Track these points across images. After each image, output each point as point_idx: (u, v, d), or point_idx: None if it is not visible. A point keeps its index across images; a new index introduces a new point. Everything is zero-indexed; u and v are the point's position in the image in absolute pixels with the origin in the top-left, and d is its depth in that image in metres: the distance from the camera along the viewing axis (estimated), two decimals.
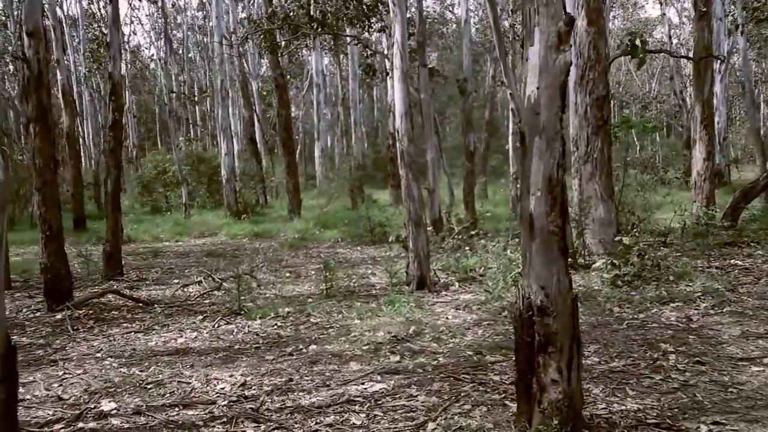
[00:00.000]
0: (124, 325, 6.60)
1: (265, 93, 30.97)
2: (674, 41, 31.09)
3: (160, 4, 27.41)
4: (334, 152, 32.96)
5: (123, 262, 9.93)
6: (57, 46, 17.81)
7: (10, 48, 21.46)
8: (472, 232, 10.77)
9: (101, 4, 27.89)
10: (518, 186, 16.15)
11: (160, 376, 4.83)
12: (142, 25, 56.68)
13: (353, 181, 21.24)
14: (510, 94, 8.08)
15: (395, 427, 3.70)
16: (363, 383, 4.45)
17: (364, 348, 5.30)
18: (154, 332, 6.26)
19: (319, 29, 14.04)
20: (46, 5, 17.18)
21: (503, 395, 4.06)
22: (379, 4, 13.27)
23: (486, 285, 7.25)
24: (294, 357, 5.20)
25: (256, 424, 3.82)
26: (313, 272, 9.40)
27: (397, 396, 4.17)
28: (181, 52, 34.85)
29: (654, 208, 11.01)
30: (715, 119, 17.31)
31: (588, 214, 8.80)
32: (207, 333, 6.14)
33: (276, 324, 6.34)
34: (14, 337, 6.24)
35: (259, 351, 5.43)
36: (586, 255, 8.60)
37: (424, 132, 12.85)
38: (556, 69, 3.29)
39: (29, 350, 5.75)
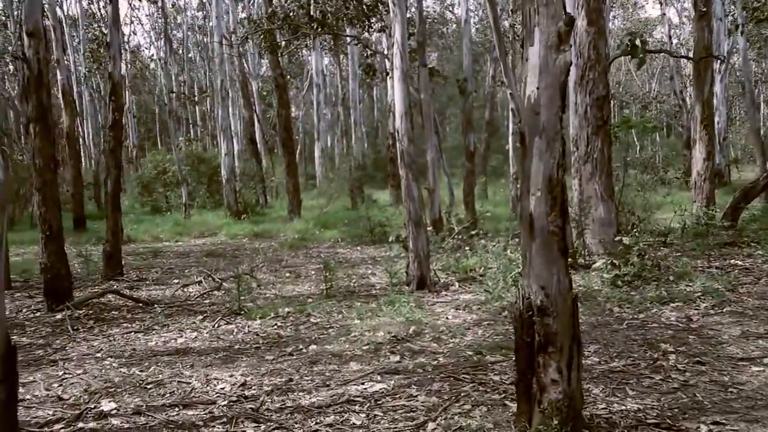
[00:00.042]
0: (124, 325, 6.60)
1: (265, 93, 30.97)
2: (674, 41, 31.09)
3: (160, 4, 27.42)
4: (334, 152, 32.96)
5: (123, 262, 9.93)
6: (57, 46, 17.81)
7: (10, 48, 21.46)
8: (472, 232, 10.77)
9: (101, 4, 27.90)
10: (518, 186, 16.15)
11: (160, 376, 4.83)
12: (142, 25, 56.69)
13: (353, 181, 21.24)
14: (510, 94, 8.08)
15: (395, 427, 3.70)
16: (363, 383, 4.45)
17: (364, 348, 5.30)
18: (154, 332, 6.26)
19: (319, 29, 14.04)
20: (46, 5, 17.19)
21: (503, 395, 4.06)
22: (379, 4, 13.27)
23: (486, 285, 7.25)
24: (294, 357, 5.20)
25: (256, 424, 3.82)
26: (313, 272, 9.40)
27: (397, 396, 4.17)
28: (181, 52, 34.86)
29: (654, 208, 11.01)
30: (715, 119, 17.30)
31: (588, 214, 8.80)
32: (207, 333, 6.14)
33: (276, 324, 6.34)
34: (14, 337, 6.24)
35: (259, 351, 5.43)
36: (586, 255, 8.60)
37: (424, 132, 12.85)
38: (556, 69, 3.29)
39: (29, 350, 5.75)
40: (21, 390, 4.59)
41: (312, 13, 13.81)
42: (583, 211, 8.78)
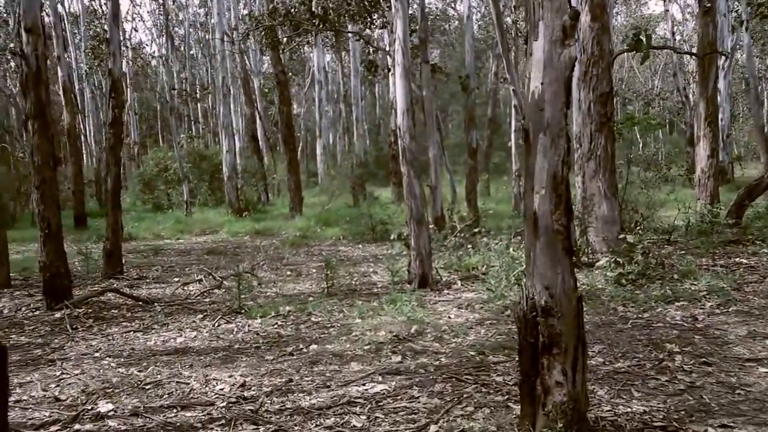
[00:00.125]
0: (124, 324, 6.55)
1: (266, 90, 30.90)
2: (677, 38, 30.93)
3: (161, 0, 27.33)
4: (335, 149, 32.88)
5: (123, 260, 9.87)
6: (58, 43, 17.78)
7: (11, 45, 21.40)
8: (475, 230, 10.70)
9: (102, 0, 27.83)
10: (521, 183, 16.07)
11: (159, 376, 4.77)
12: (143, 22, 56.59)
13: (355, 179, 21.17)
14: (513, 90, 8.03)
15: (396, 430, 3.63)
16: (364, 384, 4.38)
17: (366, 348, 5.24)
18: (153, 331, 6.20)
19: (321, 26, 13.95)
20: (47, 1, 17.15)
21: (506, 397, 4.00)
22: (381, 1, 13.18)
23: (488, 283, 7.19)
24: (294, 357, 5.14)
25: (255, 427, 3.76)
26: (314, 270, 9.34)
27: (399, 397, 4.10)
28: (182, 49, 34.75)
29: (657, 205, 10.92)
30: (719, 116, 17.20)
31: (591, 211, 8.71)
32: (207, 332, 6.08)
33: (276, 323, 6.28)
34: (12, 336, 6.20)
35: (259, 351, 5.37)
36: (589, 253, 8.52)
37: (426, 129, 12.77)
38: (560, 64, 3.21)
39: (27, 350, 5.70)
40: (18, 390, 4.55)
41: (313, 9, 13.72)
42: (586, 208, 8.70)
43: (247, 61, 24.69)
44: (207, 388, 4.46)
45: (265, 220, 16.54)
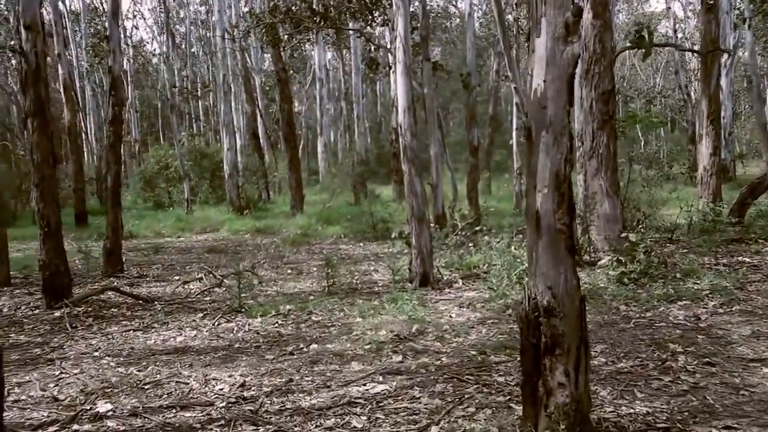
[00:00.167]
0: (123, 322, 6.52)
1: (267, 88, 30.85)
2: (679, 35, 30.84)
3: None
4: (337, 147, 32.81)
5: (124, 259, 9.85)
6: (58, 41, 17.73)
7: (12, 42, 21.37)
8: (476, 228, 10.65)
9: None
10: (522, 181, 16.02)
11: (158, 376, 4.74)
12: (144, 19, 56.59)
13: (356, 177, 21.12)
14: (514, 88, 7.97)
15: (397, 430, 3.60)
16: (364, 384, 4.35)
17: (366, 347, 5.21)
18: (153, 330, 6.17)
19: (322, 23, 13.89)
20: None
21: (508, 397, 3.96)
22: None
23: (490, 282, 7.15)
24: (294, 356, 5.11)
25: (255, 427, 3.73)
26: (315, 269, 9.31)
27: (400, 398, 4.07)
28: (183, 46, 34.72)
29: (659, 204, 10.88)
30: (721, 114, 17.14)
31: (593, 210, 8.67)
32: (207, 331, 6.05)
33: (277, 322, 6.25)
34: (12, 335, 6.17)
35: (259, 350, 5.34)
36: (591, 252, 8.49)
37: (427, 127, 12.72)
38: (563, 61, 3.17)
39: (26, 349, 5.67)
40: (16, 390, 4.53)
41: (314, 6, 13.67)
42: (588, 207, 8.66)
43: (248, 59, 24.65)
44: (206, 388, 4.43)
45: (265, 218, 16.50)
